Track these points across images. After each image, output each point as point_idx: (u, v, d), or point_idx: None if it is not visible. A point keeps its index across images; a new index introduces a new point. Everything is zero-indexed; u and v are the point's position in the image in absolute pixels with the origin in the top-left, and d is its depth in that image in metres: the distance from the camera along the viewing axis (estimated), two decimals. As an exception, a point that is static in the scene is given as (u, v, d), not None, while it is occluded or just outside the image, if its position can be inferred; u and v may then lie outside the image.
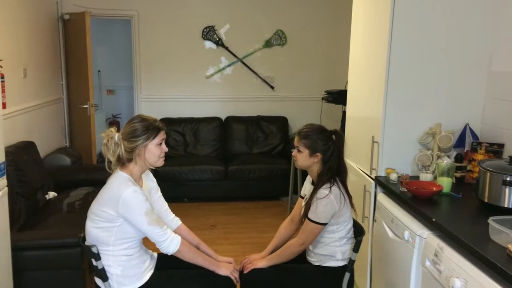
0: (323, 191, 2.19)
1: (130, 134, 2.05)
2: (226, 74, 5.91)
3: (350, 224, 2.33)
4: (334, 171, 2.25)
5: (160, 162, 2.14)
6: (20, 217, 3.21)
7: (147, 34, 5.67)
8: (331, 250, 2.30)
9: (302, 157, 2.29)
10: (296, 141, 2.31)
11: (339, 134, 2.31)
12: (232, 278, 2.24)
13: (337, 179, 2.24)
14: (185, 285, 2.22)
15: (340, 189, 2.22)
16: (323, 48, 5.94)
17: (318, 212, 2.19)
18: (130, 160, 2.07)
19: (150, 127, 2.07)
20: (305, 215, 2.25)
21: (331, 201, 2.18)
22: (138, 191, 2.00)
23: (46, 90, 4.79)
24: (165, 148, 2.14)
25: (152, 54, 5.73)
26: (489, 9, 2.60)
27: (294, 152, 2.32)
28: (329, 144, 2.26)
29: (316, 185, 2.25)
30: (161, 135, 2.11)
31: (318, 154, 2.26)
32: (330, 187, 2.20)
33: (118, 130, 2.10)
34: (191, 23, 5.72)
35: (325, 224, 2.23)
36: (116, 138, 2.04)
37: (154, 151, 2.08)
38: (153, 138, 2.07)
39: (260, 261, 2.35)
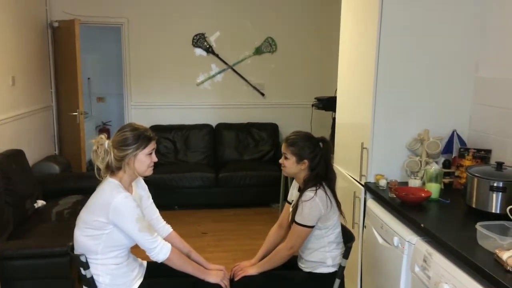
0: (308, 193, 2.21)
1: (121, 143, 2.04)
2: (217, 81, 5.92)
3: (339, 229, 2.34)
4: (321, 177, 2.26)
5: (148, 172, 2.13)
6: (8, 226, 3.17)
7: (137, 41, 5.66)
8: (321, 256, 2.30)
9: (289, 164, 2.30)
10: (283, 148, 2.32)
11: (326, 142, 2.33)
12: (223, 285, 2.23)
13: (324, 184, 2.26)
14: (175, 293, 2.21)
15: (326, 193, 2.24)
16: (313, 55, 5.98)
17: (303, 214, 2.20)
18: (119, 168, 2.06)
19: (141, 137, 2.06)
20: (293, 219, 2.26)
21: (317, 204, 2.19)
22: (129, 197, 2.00)
23: (35, 98, 4.76)
24: (154, 158, 2.13)
25: (142, 62, 5.72)
26: (476, 15, 2.64)
27: (282, 159, 2.34)
28: (316, 151, 2.28)
29: (302, 190, 2.26)
30: (152, 145, 2.10)
31: (305, 161, 2.27)
32: (316, 190, 2.21)
33: (108, 138, 2.09)
34: (181, 31, 5.73)
35: (311, 227, 2.23)
36: (106, 146, 2.03)
37: (144, 160, 2.08)
38: (144, 148, 2.06)
39: (250, 268, 2.35)
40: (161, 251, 2.06)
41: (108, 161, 2.03)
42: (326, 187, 2.26)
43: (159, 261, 2.09)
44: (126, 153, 2.03)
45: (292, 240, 2.27)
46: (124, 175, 2.07)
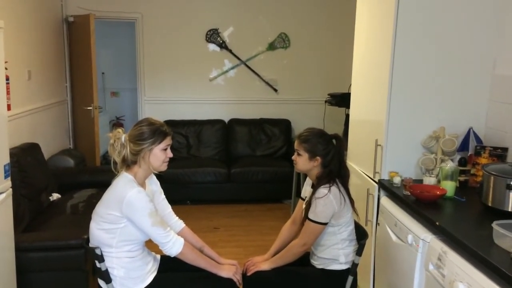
0: (322, 190, 2.20)
1: (137, 137, 2.06)
2: (230, 76, 5.93)
3: (352, 226, 2.33)
4: (334, 174, 2.25)
5: (163, 167, 2.15)
6: (24, 218, 3.21)
7: (151, 36, 5.69)
8: (334, 253, 2.30)
9: (302, 161, 2.30)
10: (296, 145, 2.32)
11: (340, 138, 2.31)
12: (235, 280, 2.24)
13: (337, 181, 2.25)
14: (188, 287, 2.22)
15: (339, 190, 2.23)
16: (327, 51, 5.95)
17: (317, 211, 2.20)
18: (134, 162, 2.08)
19: (157, 132, 2.08)
20: (306, 216, 2.26)
21: (330, 201, 2.19)
22: (142, 192, 2.02)
23: (50, 92, 4.81)
24: (170, 154, 2.15)
25: (156, 57, 5.74)
26: (494, 12, 2.60)
27: (294, 156, 2.34)
28: (329, 148, 2.27)
29: (315, 187, 2.26)
30: (167, 141, 2.12)
31: (317, 158, 2.26)
32: (330, 187, 2.20)
33: (124, 132, 2.11)
34: (195, 26, 5.74)
35: (325, 224, 2.23)
36: (123, 139, 2.06)
37: (159, 155, 2.10)
38: (159, 143, 2.08)
39: (263, 263, 2.36)
40: (174, 246, 2.08)
41: (124, 155, 2.06)
42: (339, 184, 2.25)
43: (172, 255, 2.11)
44: (142, 147, 2.05)
45: (305, 237, 2.27)
46: (139, 170, 2.09)
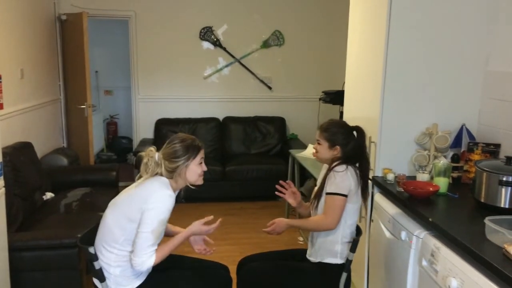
0: (340, 166, 2.23)
1: (172, 155, 2.09)
2: (224, 74, 5.92)
3: (356, 218, 2.33)
4: (351, 161, 2.27)
5: (200, 181, 2.19)
6: (18, 217, 3.20)
7: (145, 34, 5.66)
8: (333, 239, 2.28)
9: (322, 150, 2.33)
10: (317, 135, 2.36)
11: (361, 130, 2.33)
12: (201, 251, 2.27)
13: (356, 166, 2.27)
14: (182, 285, 2.22)
15: (356, 172, 2.25)
16: (321, 49, 5.95)
17: (336, 182, 2.20)
18: (170, 178, 2.10)
19: (190, 147, 2.11)
20: (319, 193, 2.27)
21: (348, 176, 2.21)
22: (172, 197, 2.04)
23: (43, 91, 4.79)
24: (204, 167, 2.19)
25: (150, 55, 5.72)
26: (486, 9, 2.61)
27: (315, 145, 2.38)
28: (350, 139, 2.30)
29: (332, 165, 2.26)
30: (201, 154, 2.16)
31: (337, 147, 2.29)
32: (347, 166, 2.23)
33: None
34: (188, 24, 5.72)
35: (346, 196, 2.21)
36: (157, 158, 2.08)
37: (195, 170, 2.13)
38: (194, 158, 2.12)
39: (283, 220, 2.37)
40: (143, 264, 1.99)
41: (158, 172, 2.07)
42: (357, 169, 2.27)
43: (136, 269, 2.03)
44: (177, 164, 2.08)
45: (330, 213, 2.20)
46: (175, 184, 2.12)
